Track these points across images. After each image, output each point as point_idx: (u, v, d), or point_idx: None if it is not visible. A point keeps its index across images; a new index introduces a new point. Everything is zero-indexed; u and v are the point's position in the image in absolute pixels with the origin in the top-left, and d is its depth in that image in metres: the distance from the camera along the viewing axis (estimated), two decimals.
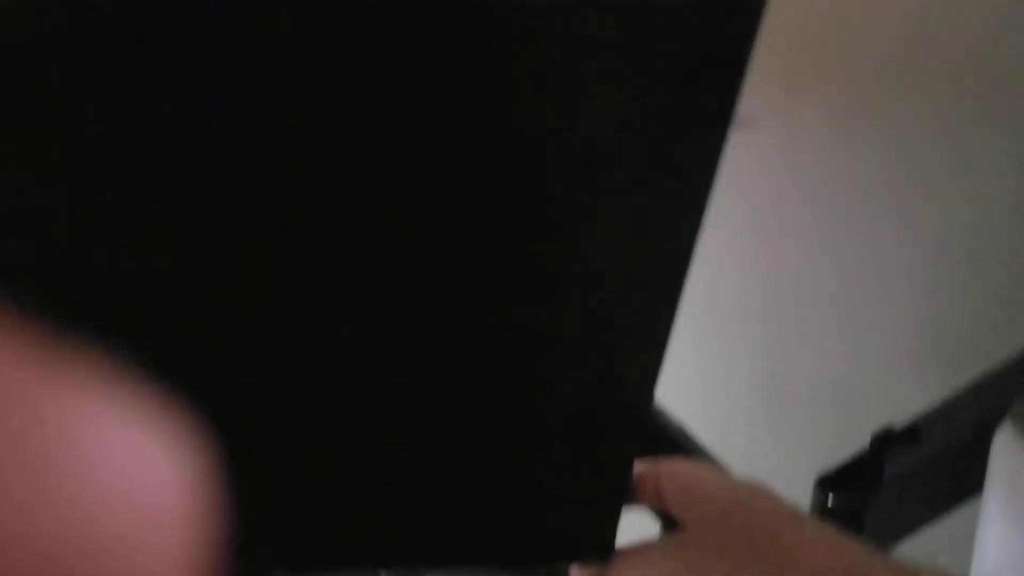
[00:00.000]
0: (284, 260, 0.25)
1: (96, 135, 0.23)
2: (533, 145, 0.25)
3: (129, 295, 0.25)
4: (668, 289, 0.28)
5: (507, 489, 0.31)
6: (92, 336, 0.27)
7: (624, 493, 0.32)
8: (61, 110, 0.22)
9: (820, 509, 0.57)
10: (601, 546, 0.33)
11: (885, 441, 0.60)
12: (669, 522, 0.33)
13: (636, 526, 0.34)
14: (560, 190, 0.26)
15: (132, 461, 0.09)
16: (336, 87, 0.23)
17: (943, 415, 0.58)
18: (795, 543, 0.29)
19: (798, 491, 0.52)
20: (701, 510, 0.31)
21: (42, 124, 0.22)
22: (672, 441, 0.46)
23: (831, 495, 0.57)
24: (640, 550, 0.33)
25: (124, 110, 0.23)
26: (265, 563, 0.33)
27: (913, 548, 0.61)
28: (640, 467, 0.33)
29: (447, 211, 0.26)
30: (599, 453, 0.31)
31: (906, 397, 0.64)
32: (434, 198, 0.25)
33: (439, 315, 0.27)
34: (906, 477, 0.56)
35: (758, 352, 0.88)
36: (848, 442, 0.60)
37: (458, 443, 0.30)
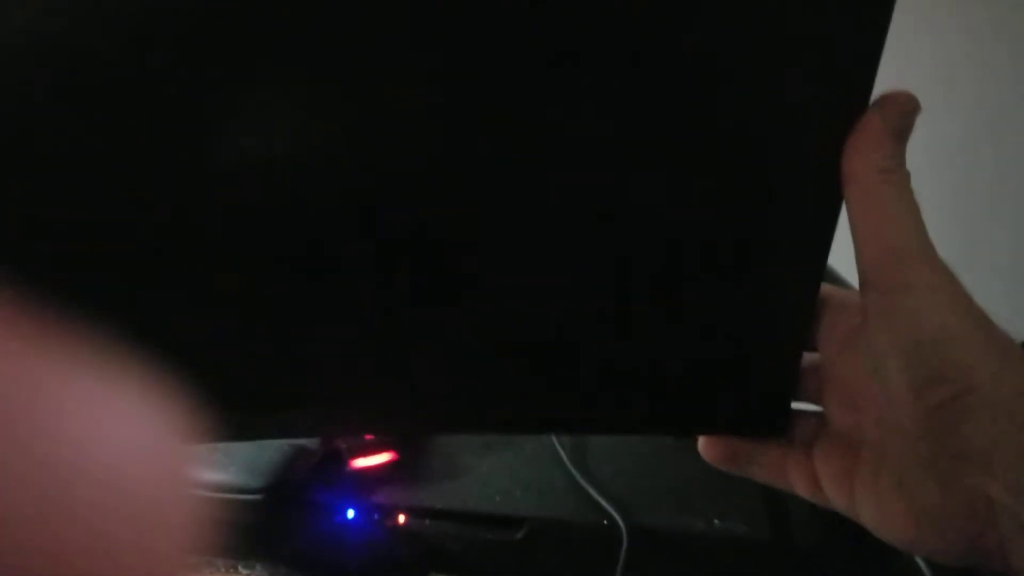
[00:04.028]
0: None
1: None
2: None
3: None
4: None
5: (686, 362, 0.31)
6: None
7: (797, 366, 0.31)
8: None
9: None
10: (775, 420, 0.32)
11: None
12: None
13: None
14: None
15: (129, 440, 0.09)
16: None
17: None
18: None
19: None
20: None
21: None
22: None
23: None
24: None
25: None
26: (454, 424, 0.36)
27: None
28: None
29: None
30: (773, 330, 0.31)
31: None
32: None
33: (647, 184, 0.27)
34: None
35: (953, 219, 0.83)
36: None
37: (644, 316, 0.30)
